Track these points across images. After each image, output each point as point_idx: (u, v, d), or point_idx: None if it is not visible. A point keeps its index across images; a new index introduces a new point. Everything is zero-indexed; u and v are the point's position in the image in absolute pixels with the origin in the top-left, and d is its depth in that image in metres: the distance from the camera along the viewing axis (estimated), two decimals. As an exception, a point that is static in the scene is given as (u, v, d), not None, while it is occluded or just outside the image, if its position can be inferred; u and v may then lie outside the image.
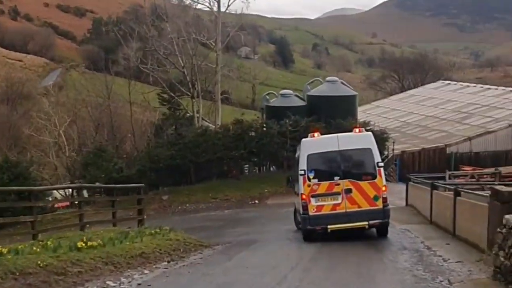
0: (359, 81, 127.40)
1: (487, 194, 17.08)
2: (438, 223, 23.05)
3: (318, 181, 18.87)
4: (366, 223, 19.31)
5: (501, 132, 53.31)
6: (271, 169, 40.90)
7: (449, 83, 72.27)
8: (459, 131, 55.11)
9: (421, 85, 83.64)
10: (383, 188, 19.74)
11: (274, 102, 43.53)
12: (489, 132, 53.25)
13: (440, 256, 16.95)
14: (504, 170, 50.85)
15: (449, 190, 23.37)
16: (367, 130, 39.60)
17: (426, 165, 52.48)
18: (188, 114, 43.83)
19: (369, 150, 19.56)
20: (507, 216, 13.38)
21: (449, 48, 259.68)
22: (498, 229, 13.47)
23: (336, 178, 18.95)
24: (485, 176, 34.19)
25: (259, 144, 38.17)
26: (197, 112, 42.37)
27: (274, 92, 45.37)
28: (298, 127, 38.67)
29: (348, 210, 19.08)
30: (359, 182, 19.25)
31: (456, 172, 33.64)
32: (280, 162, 39.38)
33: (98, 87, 48.34)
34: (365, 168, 19.62)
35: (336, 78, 45.34)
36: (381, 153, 40.34)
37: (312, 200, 18.91)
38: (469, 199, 19.61)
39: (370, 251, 18.38)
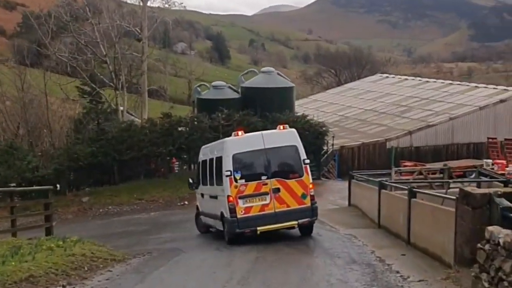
0: (295, 77, 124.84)
1: (453, 197, 14.07)
2: (388, 228, 20.03)
3: (245, 181, 18.09)
4: (296, 222, 18.79)
5: (441, 126, 51.07)
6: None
7: (387, 76, 70.05)
8: (399, 125, 52.68)
9: (358, 79, 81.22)
10: (310, 186, 19.43)
11: (206, 94, 40.04)
12: (429, 126, 50.95)
13: (398, 272, 13.87)
14: (451, 164, 48.72)
15: (400, 189, 20.38)
16: (306, 122, 36.92)
17: (366, 161, 49.87)
18: (111, 108, 39.82)
19: (294, 148, 19.10)
20: (490, 228, 10.26)
21: (383, 44, 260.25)
22: (479, 245, 10.35)
23: (264, 177, 18.28)
24: (431, 172, 31.41)
25: (189, 140, 34.67)
26: (122, 106, 38.44)
27: (206, 84, 41.85)
28: (231, 121, 35.32)
29: (277, 210, 18.45)
30: (287, 180, 18.72)
31: (403, 169, 30.77)
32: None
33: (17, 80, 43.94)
34: (292, 166, 19.11)
35: (272, 69, 42.10)
36: (320, 148, 37.54)
37: (240, 201, 18.08)
38: (428, 201, 16.60)
39: (313, 267, 15.15)
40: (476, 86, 59.00)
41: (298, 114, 37.93)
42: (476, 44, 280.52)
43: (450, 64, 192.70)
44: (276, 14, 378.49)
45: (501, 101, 52.46)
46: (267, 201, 18.33)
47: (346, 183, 37.24)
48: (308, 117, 36.55)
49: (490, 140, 50.31)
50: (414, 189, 17.56)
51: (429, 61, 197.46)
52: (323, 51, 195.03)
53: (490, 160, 40.50)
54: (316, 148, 35.80)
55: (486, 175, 26.26)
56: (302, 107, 57.58)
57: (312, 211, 19.29)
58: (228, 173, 17.97)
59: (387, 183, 21.56)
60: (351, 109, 60.37)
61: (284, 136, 19.27)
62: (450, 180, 23.33)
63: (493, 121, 52.34)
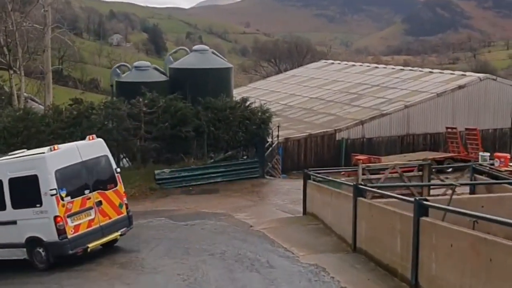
0: (234, 73, 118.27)
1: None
2: (372, 255, 13.20)
3: (71, 198, 16.70)
4: (118, 233, 17.77)
5: (396, 115, 44.82)
6: (122, 163, 29.97)
7: (333, 63, 63.66)
8: (349, 114, 46.18)
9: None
10: (124, 195, 18.20)
11: (127, 76, 32.61)
12: (383, 115, 44.63)
13: None
14: (408, 158, 42.46)
15: (390, 198, 13.59)
16: (246, 108, 29.91)
17: (313, 154, 43.28)
18: (4, 91, 31.85)
19: (106, 157, 17.99)
20: None
21: (320, 38, 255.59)
22: None
23: (86, 191, 17.15)
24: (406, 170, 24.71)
25: (102, 131, 27.20)
26: (19, 89, 30.61)
27: (127, 65, 34.37)
28: (156, 107, 28.01)
29: (102, 224, 17.37)
30: (106, 192, 17.63)
31: (372, 165, 24.04)
32: (133, 154, 28.58)
33: None
34: (108, 177, 17.86)
35: (205, 47, 34.85)
36: (264, 140, 30.55)
37: (69, 220, 16.58)
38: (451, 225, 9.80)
39: None
40: (430, 72, 53.03)
41: (238, 98, 30.84)
42: (410, 38, 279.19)
43: (386, 57, 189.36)
44: (213, 7, 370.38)
45: (460, 87, 46.55)
46: (93, 216, 17.16)
47: (293, 182, 30.64)
48: (248, 102, 29.58)
49: (449, 130, 44.34)
50: (425, 203, 10.71)
51: (366, 54, 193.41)
52: (260, 44, 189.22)
53: (487, 154, 34.22)
54: (259, 140, 28.87)
55: (483, 173, 19.74)
56: (240, 96, 50.49)
57: (129, 220, 18.17)
58: (54, 191, 16.25)
59: (366, 188, 14.67)
60: (295, 98, 53.63)
61: (95, 147, 17.95)
62: (457, 183, 16.64)
63: (451, 109, 46.44)
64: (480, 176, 19.64)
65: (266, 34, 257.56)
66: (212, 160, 28.50)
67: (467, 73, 51.12)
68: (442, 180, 22.41)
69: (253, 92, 58.00)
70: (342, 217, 15.74)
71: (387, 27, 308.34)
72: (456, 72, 51.96)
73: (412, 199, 11.49)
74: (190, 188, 27.56)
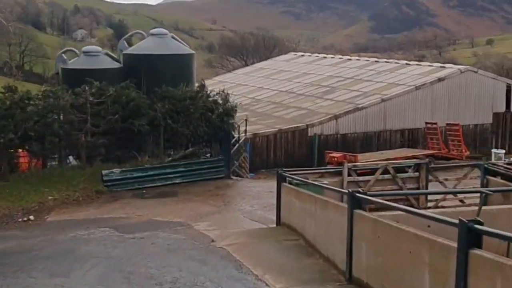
0: (199, 66, 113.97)
1: None
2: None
3: None
4: None
5: (372, 109, 41.10)
6: (68, 161, 25.70)
7: (303, 55, 59.78)
8: (322, 108, 42.36)
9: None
10: None
11: (74, 63, 28.35)
12: (358, 109, 40.89)
13: None
14: (387, 155, 38.78)
15: (397, 211, 9.73)
16: (208, 97, 25.87)
17: (284, 151, 39.39)
18: None
19: None
20: None
21: (287, 35, 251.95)
22: None
23: None
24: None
25: (40, 124, 22.95)
26: None
27: (75, 50, 30.10)
28: (104, 97, 23.80)
29: None
30: None
31: (360, 165, 20.18)
32: (77, 151, 24.31)
33: None
34: None
35: (164, 31, 30.64)
36: (229, 135, 26.48)
37: None
38: None
39: None
40: (407, 64, 49.44)
41: (198, 85, 26.70)
42: (376, 35, 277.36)
43: (353, 54, 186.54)
44: (180, 4, 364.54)
45: (440, 79, 43.00)
46: None
47: (264, 183, 26.70)
48: (211, 92, 25.53)
49: (429, 125, 40.86)
50: (477, 226, 6.81)
51: (333, 51, 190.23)
52: (227, 39, 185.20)
53: (502, 151, 30.58)
54: (223, 135, 24.81)
55: (497, 174, 15.95)
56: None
57: None
58: None
59: (368, 197, 10.71)
60: (263, 91, 49.63)
61: None
62: (488, 190, 12.76)
63: (430, 103, 42.88)
64: (494, 179, 15.86)
65: (233, 31, 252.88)
66: (170, 159, 24.44)
67: (447, 65, 47.65)
68: (441, 182, 18.67)
69: (219, 85, 53.32)
70: (330, 234, 11.84)
71: (353, 24, 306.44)
72: (435, 64, 48.44)
73: (442, 217, 7.59)
74: (144, 191, 23.45)
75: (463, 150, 39.86)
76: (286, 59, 59.30)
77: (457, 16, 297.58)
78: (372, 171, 18.91)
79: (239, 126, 27.01)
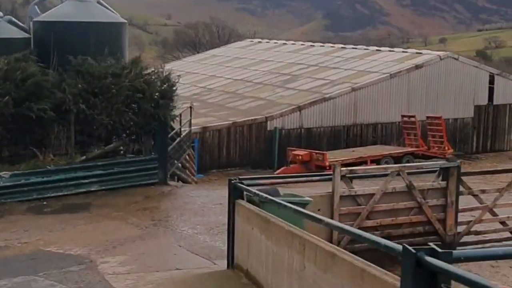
0: (152, 60, 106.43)
1: None
2: None
3: None
4: None
5: (342, 100, 34.76)
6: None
7: (260, 41, 52.94)
8: (283, 98, 35.80)
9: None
10: None
11: (-35, 32, 21.11)
12: (325, 99, 34.45)
13: None
14: (358, 153, 32.41)
15: None
16: (139, 75, 18.62)
17: (238, 148, 32.80)
18: None
19: None
20: None
21: (242, 31, 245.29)
22: None
23: None
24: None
25: None
26: None
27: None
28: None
29: None
30: None
31: (359, 169, 13.46)
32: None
33: None
34: None
35: (87, -6, 23.51)
36: (166, 126, 18.67)
37: None
38: None
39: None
40: (378, 50, 43.20)
41: (130, 59, 19.54)
42: (331, 33, 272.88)
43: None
44: None
45: (417, 66, 36.87)
46: None
47: (212, 190, 19.86)
48: (143, 65, 18.57)
49: (406, 119, 34.65)
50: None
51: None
52: (183, 34, 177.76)
53: None
54: (158, 126, 17.84)
55: None
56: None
57: None
58: None
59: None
60: (215, 80, 42.73)
61: None
62: None
63: (406, 94, 36.73)
64: None
65: (187, 26, 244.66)
66: (84, 158, 17.41)
67: (424, 51, 41.52)
68: (475, 195, 12.15)
69: (166, 73, 46.67)
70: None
71: (308, 22, 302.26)
72: (410, 50, 42.26)
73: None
74: (44, 202, 16.38)
75: (446, 148, 33.76)
76: (241, 46, 52.39)
77: (410, 15, 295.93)
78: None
79: (181, 116, 20.08)
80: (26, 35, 21.70)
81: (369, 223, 11.11)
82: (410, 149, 32.65)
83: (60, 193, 16.80)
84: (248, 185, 10.15)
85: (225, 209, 15.04)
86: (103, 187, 17.24)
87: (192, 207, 15.96)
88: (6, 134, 16.91)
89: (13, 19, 22.36)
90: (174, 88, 18.03)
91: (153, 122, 17.63)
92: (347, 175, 11.09)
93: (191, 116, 22.66)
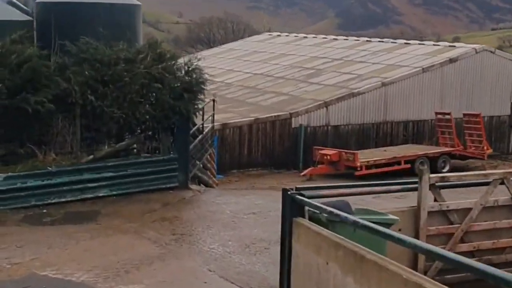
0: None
1: None
2: None
3: None
4: None
5: (371, 95, 31.85)
6: None
7: (279, 35, 50.11)
8: (307, 94, 32.94)
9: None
10: None
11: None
12: (354, 95, 31.57)
13: None
14: (391, 152, 29.57)
15: None
16: (158, 61, 15.60)
17: (261, 146, 29.95)
18: None
19: None
20: None
21: (255, 29, 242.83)
22: None
23: None
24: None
25: None
26: None
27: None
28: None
29: None
30: None
31: (452, 176, 10.65)
32: None
33: None
34: None
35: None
36: (188, 121, 15.55)
37: None
38: None
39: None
40: (406, 43, 40.24)
41: (146, 44, 16.72)
42: (343, 32, 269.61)
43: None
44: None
45: (451, 60, 33.90)
46: None
47: (240, 196, 17.07)
48: (163, 50, 15.82)
49: (440, 116, 31.65)
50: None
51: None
52: (196, 31, 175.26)
53: None
54: (179, 121, 15.09)
55: None
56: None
57: None
58: None
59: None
60: (233, 74, 39.91)
61: None
62: None
63: (439, 89, 33.78)
64: None
65: (199, 25, 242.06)
66: (91, 157, 14.67)
67: (457, 44, 38.55)
68: None
69: (181, 68, 43.93)
70: None
71: (320, 21, 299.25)
72: (442, 43, 39.32)
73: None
74: (44, 210, 13.67)
75: (485, 147, 30.81)
76: (259, 40, 49.54)
77: (422, 15, 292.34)
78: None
79: (203, 109, 17.31)
80: (29, 18, 19.07)
81: (464, 247, 8.38)
82: (446, 149, 29.73)
83: (63, 199, 14.08)
84: (310, 198, 7.36)
85: (260, 220, 12.33)
86: (114, 192, 14.49)
87: (220, 218, 13.19)
88: (0, 129, 14.21)
89: (16, 1, 19.66)
90: (202, 80, 15.23)
91: (173, 116, 14.86)
92: (437, 184, 8.30)
93: (214, 110, 19.87)
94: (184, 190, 15.26)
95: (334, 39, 44.30)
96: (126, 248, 11.11)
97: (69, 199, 14.12)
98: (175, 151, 15.22)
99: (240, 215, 13.38)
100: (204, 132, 17.44)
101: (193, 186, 15.78)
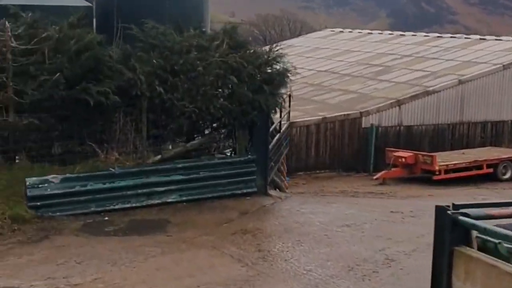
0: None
1: None
2: None
3: None
4: None
5: (447, 94, 29.35)
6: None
7: (342, 31, 47.86)
8: (377, 91, 30.65)
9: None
10: None
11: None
12: (429, 93, 29.13)
13: None
14: (471, 155, 27.13)
15: None
16: (235, 48, 13.69)
17: (329, 147, 27.76)
18: None
19: None
20: None
21: (312, 28, 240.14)
22: None
23: None
24: None
25: None
26: None
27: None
28: (39, 37, 12.18)
29: None
30: None
31: None
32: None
33: None
34: None
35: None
36: (268, 118, 13.60)
37: None
38: None
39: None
40: (482, 39, 37.55)
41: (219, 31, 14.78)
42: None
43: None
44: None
45: (535, 56, 31.18)
46: None
47: (326, 204, 14.92)
48: (239, 36, 13.88)
49: (523, 116, 29.00)
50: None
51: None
52: (251, 29, 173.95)
53: None
54: (258, 117, 13.10)
55: None
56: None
57: None
58: None
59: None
60: (297, 70, 37.77)
61: None
62: None
63: (521, 87, 31.05)
64: None
65: (252, 24, 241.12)
66: (159, 157, 12.81)
67: (539, 39, 35.75)
68: None
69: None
70: None
71: (372, 21, 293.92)
72: (521, 39, 36.57)
73: None
74: (106, 218, 11.85)
75: None
76: (321, 36, 47.31)
77: (477, 14, 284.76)
78: None
79: (281, 105, 15.24)
80: (88, 4, 17.45)
81: None
82: (534, 153, 27.12)
83: (127, 205, 12.24)
84: (477, 218, 5.28)
85: (357, 235, 10.28)
86: (184, 198, 12.58)
87: (310, 230, 11.14)
88: (56, 125, 12.44)
89: (72, -16, 18.03)
90: (285, 71, 13.26)
91: (252, 113, 12.87)
92: None
93: (289, 106, 17.87)
94: (263, 197, 13.26)
95: (401, 35, 41.79)
96: (205, 268, 9.17)
97: (133, 205, 12.28)
98: (252, 152, 13.23)
99: (332, 228, 11.33)
100: (281, 132, 15.41)
101: (272, 192, 13.76)
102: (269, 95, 12.91)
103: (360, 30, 47.05)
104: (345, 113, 28.00)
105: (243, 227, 11.25)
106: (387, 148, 26.68)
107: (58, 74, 11.94)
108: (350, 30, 47.59)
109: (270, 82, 13.06)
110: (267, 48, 14.48)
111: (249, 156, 13.11)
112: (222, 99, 12.86)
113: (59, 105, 12.16)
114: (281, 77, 13.16)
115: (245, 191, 13.07)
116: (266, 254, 9.83)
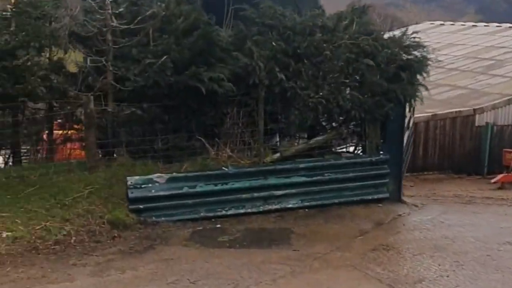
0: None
1: None
2: None
3: None
4: None
5: None
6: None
7: (442, 24, 45.03)
8: (490, 87, 27.96)
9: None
10: None
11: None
12: (551, 89, 26.31)
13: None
14: None
15: None
16: (366, 30, 11.72)
17: (438, 147, 25.37)
18: None
19: None
20: None
21: (404, 23, 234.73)
22: None
23: None
24: None
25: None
26: None
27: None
28: (140, 18, 10.58)
29: None
30: None
31: None
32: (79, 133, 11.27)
33: None
34: None
35: None
36: (403, 110, 11.69)
37: None
38: None
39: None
40: None
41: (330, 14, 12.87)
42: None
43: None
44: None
45: None
46: None
47: (464, 211, 12.58)
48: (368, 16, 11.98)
49: None
50: None
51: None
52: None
53: None
54: (392, 109, 11.11)
55: None
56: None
57: None
58: None
59: None
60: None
61: None
62: None
63: None
64: None
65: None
66: (278, 155, 10.99)
67: None
68: None
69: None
70: None
71: (460, 18, 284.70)
72: None
73: None
74: (218, 225, 10.12)
75: None
76: (420, 29, 44.33)
77: None
78: None
79: (412, 104, 13.08)
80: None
81: None
82: None
83: (241, 210, 10.47)
84: None
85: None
86: (306, 204, 10.71)
87: (467, 249, 9.02)
88: (162, 115, 10.79)
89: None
90: (424, 57, 11.22)
91: (387, 104, 10.86)
92: None
93: (414, 105, 15.65)
94: (396, 204, 11.22)
95: (510, 27, 38.65)
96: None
97: (248, 210, 10.49)
98: (385, 151, 11.21)
99: (493, 246, 9.17)
100: (410, 127, 13.32)
101: (406, 199, 11.70)
102: (407, 84, 10.86)
103: (463, 23, 44.03)
104: (457, 110, 25.51)
105: (382, 242, 9.25)
106: (504, 150, 24.08)
107: (165, 57, 10.27)
108: (452, 22, 44.63)
109: (407, 70, 11.00)
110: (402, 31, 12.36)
111: (382, 156, 11.09)
112: (349, 89, 10.89)
113: (165, 93, 10.50)
114: (420, 65, 11.06)
115: (375, 196, 11.06)
116: (422, 279, 7.81)
